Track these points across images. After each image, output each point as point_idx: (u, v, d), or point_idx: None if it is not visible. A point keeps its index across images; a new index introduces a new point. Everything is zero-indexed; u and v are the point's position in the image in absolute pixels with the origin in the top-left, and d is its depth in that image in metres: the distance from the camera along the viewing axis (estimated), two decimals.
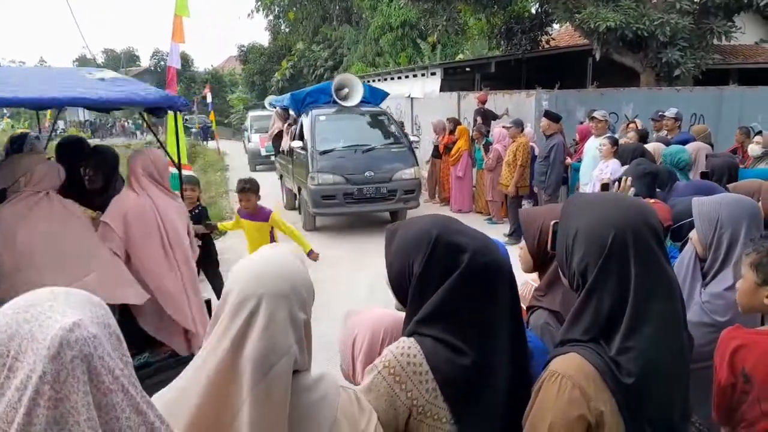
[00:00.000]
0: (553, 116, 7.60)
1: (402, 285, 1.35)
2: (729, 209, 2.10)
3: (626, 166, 4.14)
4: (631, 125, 7.58)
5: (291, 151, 9.75)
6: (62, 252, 2.85)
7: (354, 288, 6.32)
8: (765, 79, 11.52)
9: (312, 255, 4.76)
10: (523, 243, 1.82)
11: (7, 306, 0.75)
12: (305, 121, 9.42)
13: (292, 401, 1.04)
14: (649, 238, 1.26)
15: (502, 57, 15.08)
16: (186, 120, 30.72)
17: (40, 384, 0.67)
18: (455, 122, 10.53)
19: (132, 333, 3.04)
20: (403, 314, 1.38)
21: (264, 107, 22.23)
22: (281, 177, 11.50)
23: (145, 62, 54.94)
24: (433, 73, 14.30)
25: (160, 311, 3.22)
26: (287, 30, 32.16)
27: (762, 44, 15.43)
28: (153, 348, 3.43)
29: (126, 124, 40.92)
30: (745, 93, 10.23)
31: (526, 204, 8.27)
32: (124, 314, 3.10)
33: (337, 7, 28.12)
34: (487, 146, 9.26)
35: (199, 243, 5.62)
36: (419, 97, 14.51)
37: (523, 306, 1.83)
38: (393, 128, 9.72)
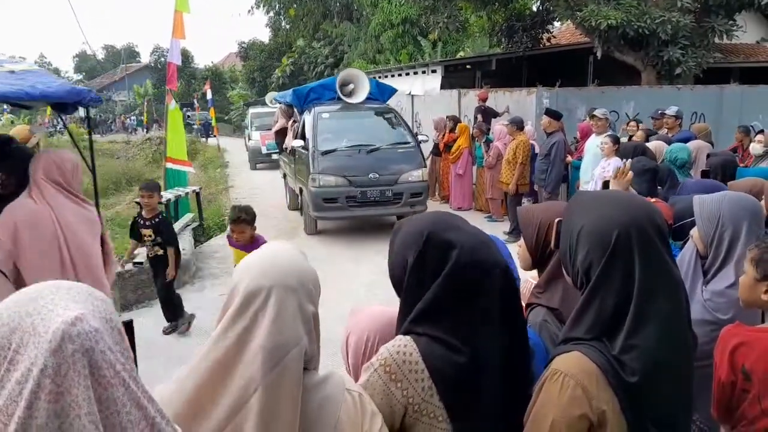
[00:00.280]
0: (554, 114, 7.61)
1: (401, 281, 1.35)
2: (730, 207, 2.10)
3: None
4: (631, 124, 7.59)
5: (293, 149, 9.36)
6: None
7: (353, 285, 6.32)
8: (766, 77, 11.51)
9: None
10: (522, 241, 1.82)
11: (9, 299, 0.76)
12: (307, 118, 9.04)
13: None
14: (653, 237, 1.26)
15: (503, 54, 15.06)
16: (188, 117, 30.73)
17: (41, 377, 0.67)
18: (455, 120, 10.53)
19: None
20: None
21: (265, 104, 22.20)
22: (285, 176, 11.09)
23: (146, 58, 54.92)
24: (434, 71, 14.29)
25: None
26: (288, 27, 32.11)
27: (763, 43, 15.42)
28: None
29: (127, 120, 40.93)
30: (746, 92, 10.23)
31: (526, 202, 8.27)
32: None
33: (338, 4, 28.09)
34: (488, 144, 9.26)
35: (134, 261, 5.36)
36: (420, 95, 14.50)
37: (522, 303, 1.83)
38: (400, 127, 9.24)
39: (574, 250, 1.32)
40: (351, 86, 9.54)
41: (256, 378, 1.01)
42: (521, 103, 10.04)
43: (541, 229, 1.72)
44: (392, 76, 16.92)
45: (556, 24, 15.93)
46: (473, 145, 9.92)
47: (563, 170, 7.66)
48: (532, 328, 1.65)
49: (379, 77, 17.73)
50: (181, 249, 6.79)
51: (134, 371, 0.77)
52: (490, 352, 1.26)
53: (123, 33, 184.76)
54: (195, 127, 29.62)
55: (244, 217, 4.21)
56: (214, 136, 24.59)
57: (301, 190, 9.11)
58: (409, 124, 14.00)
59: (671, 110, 7.05)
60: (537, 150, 8.24)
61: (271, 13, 32.27)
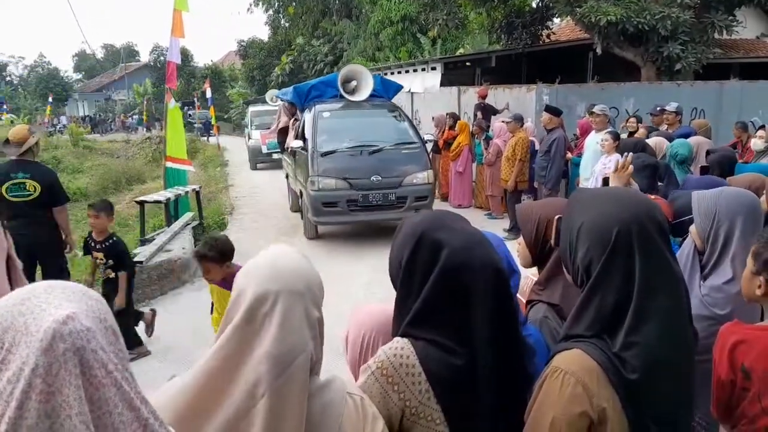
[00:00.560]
0: (553, 111, 7.60)
1: (397, 279, 1.36)
2: (727, 202, 2.09)
3: None
4: (631, 120, 7.58)
5: (294, 150, 8.95)
6: None
7: (353, 288, 6.28)
8: (766, 73, 11.50)
9: None
10: (521, 238, 1.81)
11: (3, 298, 0.75)
12: (307, 117, 8.61)
13: None
14: (653, 233, 1.25)
15: (503, 51, 15.03)
16: (190, 115, 30.69)
17: (32, 377, 0.67)
18: (455, 117, 10.52)
19: None
20: None
21: (265, 102, 22.12)
22: (287, 176, 10.57)
23: (145, 57, 54.85)
24: (434, 68, 14.27)
25: None
26: (287, 25, 32.07)
27: (763, 38, 15.38)
28: None
29: (128, 119, 40.91)
30: (746, 87, 10.20)
31: (525, 199, 8.26)
32: None
33: (337, 2, 28.03)
34: (488, 141, 9.24)
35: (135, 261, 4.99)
36: (419, 92, 14.48)
37: (523, 300, 1.83)
38: (406, 126, 8.77)
39: (574, 247, 1.32)
40: (354, 83, 9.17)
41: (263, 384, 1.00)
42: (521, 99, 10.02)
43: (541, 226, 1.71)
44: (392, 73, 16.90)
45: (556, 20, 15.91)
46: (473, 142, 9.91)
47: (563, 167, 7.66)
48: (533, 325, 1.65)
49: (379, 75, 17.72)
50: (182, 249, 6.78)
51: (128, 372, 0.77)
52: (485, 353, 1.25)
53: (122, 32, 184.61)
54: (196, 125, 29.60)
55: (208, 254, 3.27)
56: (214, 134, 24.56)
57: (301, 193, 8.68)
58: None
59: (671, 106, 7.04)
60: (537, 147, 8.23)
61: (270, 12, 32.24)
